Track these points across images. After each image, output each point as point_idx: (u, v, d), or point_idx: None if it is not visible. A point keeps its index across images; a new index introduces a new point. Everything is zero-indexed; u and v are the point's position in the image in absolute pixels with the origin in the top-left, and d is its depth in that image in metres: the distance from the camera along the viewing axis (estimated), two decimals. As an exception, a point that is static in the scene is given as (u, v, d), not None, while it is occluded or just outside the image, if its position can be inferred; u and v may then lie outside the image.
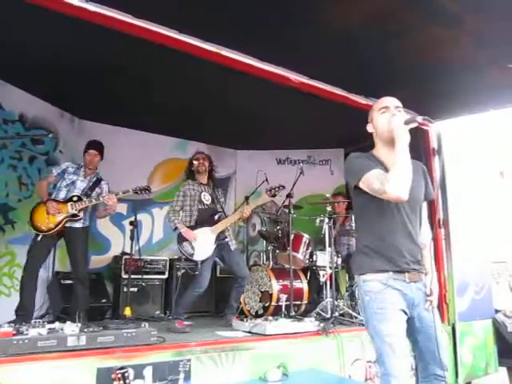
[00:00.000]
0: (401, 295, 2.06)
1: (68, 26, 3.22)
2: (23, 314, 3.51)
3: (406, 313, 2.07)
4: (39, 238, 3.73)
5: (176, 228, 4.10)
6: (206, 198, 4.23)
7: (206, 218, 4.13)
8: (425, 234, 2.24)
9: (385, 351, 2.00)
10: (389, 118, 2.07)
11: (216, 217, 4.16)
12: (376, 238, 2.10)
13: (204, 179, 4.33)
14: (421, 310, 2.11)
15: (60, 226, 3.77)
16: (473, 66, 3.75)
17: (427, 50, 3.53)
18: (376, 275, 2.07)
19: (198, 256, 3.98)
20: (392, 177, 1.93)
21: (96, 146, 4.16)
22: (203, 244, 4.01)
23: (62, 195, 3.92)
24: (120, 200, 4.09)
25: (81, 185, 3.99)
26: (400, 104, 2.15)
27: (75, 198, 3.87)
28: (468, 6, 2.98)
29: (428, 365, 2.14)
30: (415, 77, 3.90)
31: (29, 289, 3.67)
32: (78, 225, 3.90)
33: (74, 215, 3.82)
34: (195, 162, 4.30)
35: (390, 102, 2.15)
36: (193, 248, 3.99)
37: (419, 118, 1.98)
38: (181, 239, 4.05)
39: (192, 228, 4.08)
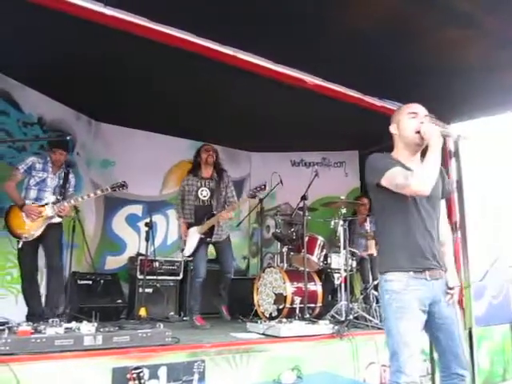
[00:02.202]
0: (421, 294, 2.10)
1: (85, 31, 3.27)
2: (33, 318, 3.41)
3: (424, 312, 2.12)
4: (20, 245, 3.60)
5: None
6: (203, 194, 4.35)
7: (200, 216, 4.31)
8: (444, 232, 2.30)
9: (400, 348, 2.06)
10: (417, 124, 2.14)
11: (206, 218, 4.29)
12: (397, 236, 2.16)
13: (208, 172, 4.43)
14: (441, 306, 2.15)
15: (42, 229, 3.66)
16: (491, 67, 3.70)
17: (444, 51, 3.50)
18: (397, 274, 2.12)
19: (186, 252, 4.37)
20: (419, 172, 2.03)
21: (62, 144, 3.94)
22: (190, 242, 4.31)
23: (32, 195, 3.77)
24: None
25: (51, 183, 3.85)
26: (427, 113, 2.21)
27: (54, 200, 3.75)
28: (485, 7, 2.95)
29: (450, 363, 2.18)
30: (432, 78, 3.86)
31: (32, 296, 3.67)
32: (54, 220, 3.80)
33: (51, 217, 3.71)
34: (203, 155, 4.38)
35: (420, 109, 2.21)
36: (185, 244, 4.37)
37: (454, 134, 2.07)
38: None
39: (191, 225, 4.35)
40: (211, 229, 4.27)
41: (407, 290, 2.09)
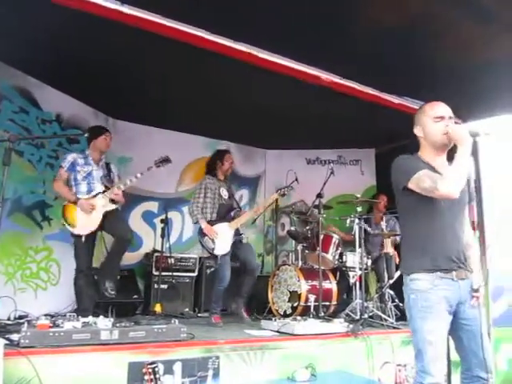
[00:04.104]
0: (448, 294, 2.10)
1: (103, 29, 3.30)
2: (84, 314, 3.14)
3: (450, 313, 2.12)
4: (83, 239, 3.66)
5: (197, 222, 4.27)
6: (224, 193, 4.42)
7: (224, 213, 4.32)
8: (469, 236, 2.30)
9: (424, 348, 2.06)
10: (443, 127, 2.15)
11: (232, 213, 4.35)
12: (423, 238, 2.17)
13: (222, 176, 4.49)
14: (466, 307, 2.15)
15: (100, 221, 3.71)
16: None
17: (465, 48, 3.46)
18: (423, 275, 2.12)
19: (219, 250, 4.15)
20: (447, 175, 2.04)
21: (104, 128, 4.12)
22: (222, 239, 4.18)
23: (83, 189, 3.81)
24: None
25: (97, 174, 3.89)
26: (451, 113, 2.22)
27: (103, 189, 3.79)
28: (506, 2, 2.90)
29: (471, 366, 2.16)
30: (451, 76, 3.81)
31: (86, 291, 3.67)
32: (108, 208, 3.82)
33: (107, 204, 3.74)
34: (226, 164, 4.45)
35: (445, 111, 2.21)
36: (213, 243, 4.17)
37: (481, 133, 2.16)
38: (202, 234, 4.22)
39: (212, 223, 4.22)
40: (239, 232, 4.32)
41: (433, 289, 2.09)
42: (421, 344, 2.08)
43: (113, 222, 3.80)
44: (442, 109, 2.22)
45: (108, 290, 3.67)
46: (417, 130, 2.27)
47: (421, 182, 2.07)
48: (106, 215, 3.76)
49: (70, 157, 3.88)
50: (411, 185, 2.10)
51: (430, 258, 2.12)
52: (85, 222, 3.70)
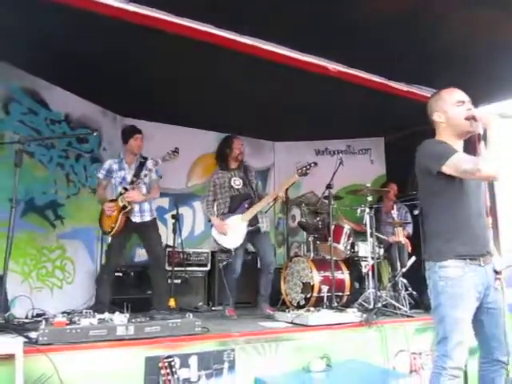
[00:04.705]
0: (476, 281, 2.11)
1: (109, 28, 3.31)
2: (101, 307, 3.55)
3: (478, 299, 2.13)
4: (110, 240, 3.95)
5: (210, 220, 4.31)
6: (237, 183, 4.31)
7: (237, 204, 4.24)
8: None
9: (451, 335, 2.07)
10: (465, 111, 2.20)
11: (246, 204, 4.24)
12: (453, 223, 2.16)
13: (235, 164, 4.41)
14: (491, 291, 2.16)
15: (118, 221, 3.83)
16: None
17: (473, 33, 3.42)
18: (454, 261, 2.11)
19: (230, 244, 4.16)
20: (488, 156, 2.05)
21: (139, 129, 4.23)
22: (234, 232, 4.16)
23: (119, 192, 4.00)
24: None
25: (130, 177, 4.02)
26: (468, 97, 2.27)
27: (123, 191, 3.91)
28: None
29: (493, 350, 2.18)
30: (461, 61, 3.76)
31: (104, 285, 3.92)
32: (147, 218, 4.01)
33: (124, 207, 3.84)
34: (236, 151, 4.35)
35: (464, 96, 2.27)
36: (225, 237, 4.18)
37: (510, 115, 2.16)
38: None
39: (223, 217, 4.21)
40: (255, 218, 4.18)
41: (464, 276, 2.09)
42: (448, 331, 2.08)
43: (150, 241, 4.03)
44: (460, 94, 2.27)
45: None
46: (436, 116, 2.29)
47: (460, 164, 2.07)
48: (142, 227, 3.98)
49: (107, 164, 4.11)
50: (447, 168, 2.10)
51: (460, 244, 2.12)
52: (107, 225, 3.91)
